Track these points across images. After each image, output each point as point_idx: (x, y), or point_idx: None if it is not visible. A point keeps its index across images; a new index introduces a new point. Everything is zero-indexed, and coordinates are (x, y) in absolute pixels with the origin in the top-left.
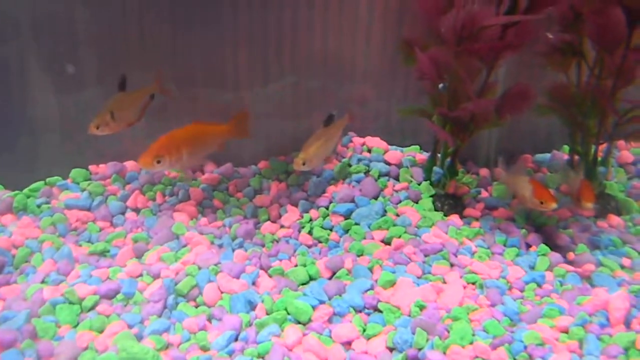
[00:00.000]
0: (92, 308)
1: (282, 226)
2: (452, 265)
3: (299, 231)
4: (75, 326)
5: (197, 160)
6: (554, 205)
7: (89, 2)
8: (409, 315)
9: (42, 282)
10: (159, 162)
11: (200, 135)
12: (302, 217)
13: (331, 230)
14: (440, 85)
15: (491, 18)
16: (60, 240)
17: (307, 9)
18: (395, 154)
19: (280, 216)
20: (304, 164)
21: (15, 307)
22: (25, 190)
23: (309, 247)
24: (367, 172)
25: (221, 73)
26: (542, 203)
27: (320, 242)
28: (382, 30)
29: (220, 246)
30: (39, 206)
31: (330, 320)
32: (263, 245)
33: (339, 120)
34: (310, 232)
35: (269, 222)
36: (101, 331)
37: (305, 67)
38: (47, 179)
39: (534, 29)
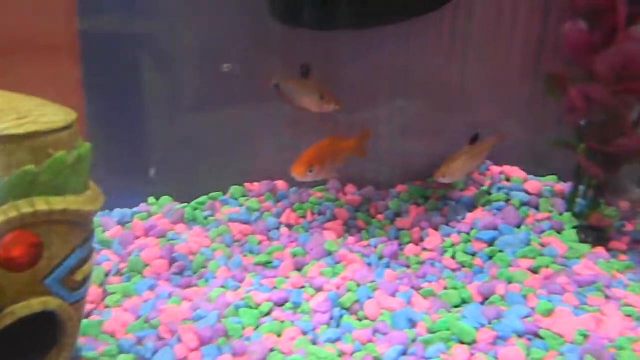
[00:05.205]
0: (269, 313)
1: (424, 249)
2: (607, 297)
3: (442, 255)
4: (257, 328)
5: (332, 172)
6: None
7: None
8: (573, 343)
9: (222, 286)
10: (310, 171)
11: (337, 148)
12: (443, 241)
13: (474, 255)
14: (584, 121)
15: None
16: (229, 250)
17: (450, 40)
18: (535, 183)
19: (422, 239)
20: (443, 176)
21: (204, 308)
22: (193, 203)
23: (453, 270)
24: (507, 201)
25: (364, 95)
26: None
27: (464, 266)
28: (520, 62)
29: (369, 265)
30: (206, 218)
31: (494, 343)
32: (408, 267)
33: (487, 139)
34: (453, 257)
35: (412, 245)
36: (279, 335)
37: (442, 95)
38: (210, 194)
39: None
